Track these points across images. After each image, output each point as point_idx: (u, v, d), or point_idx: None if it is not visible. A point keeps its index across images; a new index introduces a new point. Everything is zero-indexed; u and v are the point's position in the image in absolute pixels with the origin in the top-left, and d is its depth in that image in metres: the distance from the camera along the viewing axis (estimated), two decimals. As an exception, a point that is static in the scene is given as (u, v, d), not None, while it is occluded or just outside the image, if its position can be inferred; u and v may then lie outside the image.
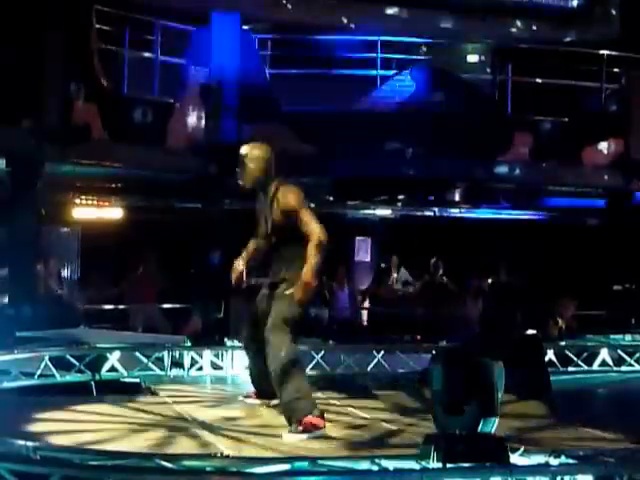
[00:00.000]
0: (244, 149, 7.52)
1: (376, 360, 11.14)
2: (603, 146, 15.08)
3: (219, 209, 14.49)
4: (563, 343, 11.95)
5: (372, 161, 14.74)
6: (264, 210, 7.58)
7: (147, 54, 13.99)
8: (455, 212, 16.93)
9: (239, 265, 7.69)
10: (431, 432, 5.79)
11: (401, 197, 16.59)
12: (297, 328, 7.09)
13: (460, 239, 17.05)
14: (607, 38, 16.47)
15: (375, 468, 5.47)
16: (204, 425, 7.39)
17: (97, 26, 13.24)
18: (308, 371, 10.79)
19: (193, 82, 14.14)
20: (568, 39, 17.16)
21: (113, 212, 16.30)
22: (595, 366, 11.50)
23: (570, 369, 11.25)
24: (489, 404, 5.66)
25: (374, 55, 15.52)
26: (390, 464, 5.51)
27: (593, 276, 15.33)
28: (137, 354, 10.26)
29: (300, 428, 6.83)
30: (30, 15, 12.18)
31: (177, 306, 15.41)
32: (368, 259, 18.48)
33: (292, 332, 7.04)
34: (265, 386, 7.60)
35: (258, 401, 8.08)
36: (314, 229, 7.30)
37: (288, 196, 7.33)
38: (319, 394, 8.42)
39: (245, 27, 14.85)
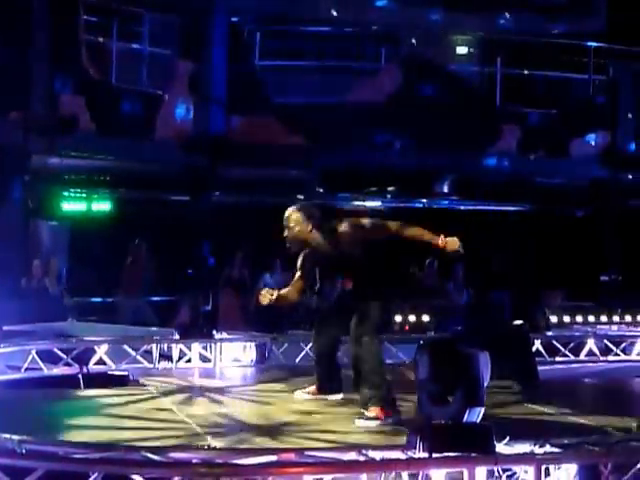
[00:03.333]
0: (286, 214, 7.76)
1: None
2: (590, 137, 15.13)
3: (208, 201, 14.47)
4: (550, 333, 12.01)
5: (362, 152, 14.76)
6: (320, 256, 7.82)
7: (135, 45, 13.95)
8: (444, 203, 16.94)
9: (272, 295, 7.77)
10: (418, 422, 5.82)
11: (391, 188, 16.60)
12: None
13: (449, 230, 17.04)
14: (594, 30, 16.50)
15: (362, 458, 5.49)
16: (192, 417, 7.39)
17: (84, 17, 13.21)
18: (297, 362, 10.87)
19: (181, 73, 14.12)
20: (556, 31, 17.17)
21: (102, 205, 16.24)
22: (582, 356, 11.56)
23: (557, 359, 11.30)
24: (474, 394, 5.68)
25: (363, 46, 15.52)
26: (376, 454, 5.53)
27: (581, 266, 15.38)
28: (125, 347, 10.26)
29: (373, 415, 7.24)
30: (16, 7, 12.14)
31: (166, 299, 15.40)
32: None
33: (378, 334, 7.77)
34: (331, 383, 8.08)
35: (315, 396, 8.22)
36: (391, 224, 7.76)
37: (352, 221, 7.70)
38: (306, 385, 8.42)
39: (234, 18, 14.83)
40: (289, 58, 15.63)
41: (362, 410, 7.38)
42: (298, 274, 7.95)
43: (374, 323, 7.62)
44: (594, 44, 15.37)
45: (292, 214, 7.70)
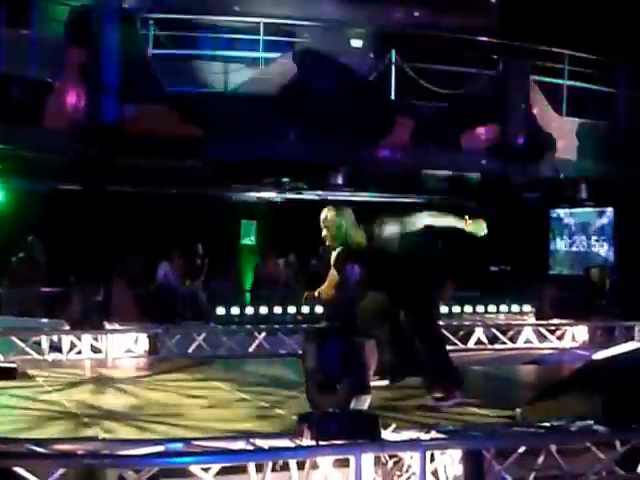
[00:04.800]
0: (322, 215, 8.13)
1: (257, 341, 11.22)
2: (481, 131, 15.36)
3: (100, 191, 14.27)
4: (440, 322, 12.19)
5: (257, 144, 14.72)
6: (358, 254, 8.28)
7: (24, 31, 13.65)
8: (339, 195, 17.04)
9: (314, 295, 8.12)
10: (305, 410, 5.87)
11: (285, 180, 16.62)
12: None
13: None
14: (486, 26, 16.77)
15: (250, 447, 5.53)
16: (81, 408, 7.33)
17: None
18: (189, 352, 10.85)
19: (73, 61, 13.86)
20: (449, 25, 17.40)
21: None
22: (470, 344, 11.82)
23: (447, 347, 11.49)
24: (361, 382, 5.77)
25: (259, 37, 15.48)
26: (264, 443, 5.57)
27: (470, 257, 15.66)
28: (13, 339, 10.10)
29: (442, 395, 7.74)
30: None
31: (57, 290, 15.17)
32: (254, 242, 18.50)
33: None
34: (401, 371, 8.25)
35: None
36: None
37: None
38: (198, 376, 8.43)
39: (126, 6, 14.63)
40: (184, 47, 15.50)
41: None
42: (333, 271, 8.27)
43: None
44: (485, 39, 15.61)
45: (329, 214, 8.06)
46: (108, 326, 10.97)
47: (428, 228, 8.10)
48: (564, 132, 15.83)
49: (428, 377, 7.94)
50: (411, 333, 7.86)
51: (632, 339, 12.42)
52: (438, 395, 7.77)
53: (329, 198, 16.82)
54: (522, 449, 5.89)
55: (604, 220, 17.35)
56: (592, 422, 6.23)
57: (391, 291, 8.14)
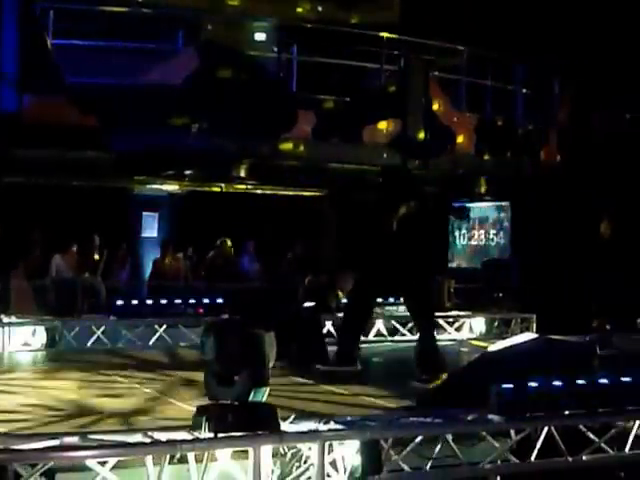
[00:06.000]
0: None
1: (158, 334, 11.17)
2: (382, 125, 15.50)
3: (-1, 183, 14.02)
4: (340, 315, 12.29)
5: (159, 135, 14.60)
6: None
7: None
8: (241, 188, 17.03)
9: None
10: (204, 403, 5.87)
11: (188, 172, 16.53)
12: None
13: (247, 215, 17.20)
14: (388, 22, 16.93)
15: (147, 440, 5.51)
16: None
17: None
18: (89, 345, 10.74)
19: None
20: (352, 21, 17.53)
21: None
22: (371, 336, 11.95)
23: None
24: (260, 374, 5.79)
25: (162, 28, 15.35)
26: (162, 436, 5.56)
27: (371, 250, 15.81)
28: None
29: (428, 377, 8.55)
30: None
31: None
32: (155, 234, 18.36)
33: None
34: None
35: None
36: None
37: None
38: (97, 369, 8.37)
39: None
40: (84, 38, 15.27)
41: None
42: None
43: None
44: (387, 35, 15.76)
45: None
46: (5, 319, 10.78)
47: None
48: (463, 127, 16.09)
49: (419, 360, 8.80)
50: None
51: (528, 330, 12.71)
52: (425, 377, 8.53)
53: (231, 191, 16.83)
54: (419, 438, 5.99)
55: (502, 214, 17.69)
56: (487, 411, 6.38)
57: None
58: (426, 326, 9.35)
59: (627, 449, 6.59)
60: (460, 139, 15.98)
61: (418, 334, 9.57)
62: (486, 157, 16.29)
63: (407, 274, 9.03)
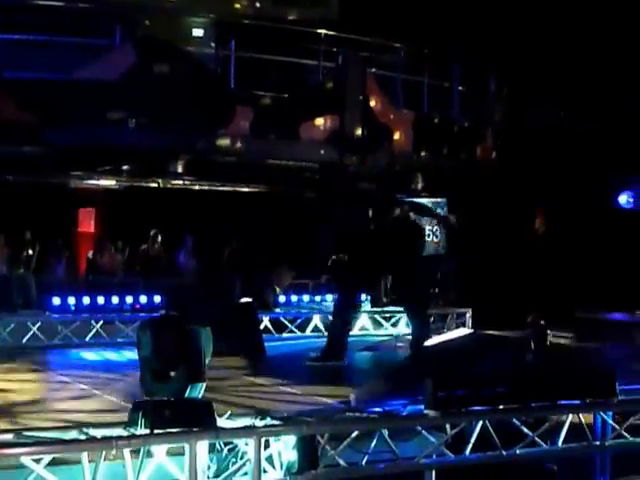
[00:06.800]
0: None
1: (95, 330, 11.09)
2: (320, 122, 15.53)
3: None
4: (278, 310, 12.35)
5: (95, 130, 14.46)
6: None
7: None
8: (179, 183, 16.95)
9: None
10: (140, 399, 5.86)
11: (125, 168, 16.41)
12: None
13: (184, 211, 17.13)
14: (326, 18, 16.95)
15: (82, 437, 5.48)
16: None
17: None
18: (24, 342, 10.63)
19: None
20: (290, 17, 17.51)
21: None
22: (308, 332, 11.99)
23: (284, 335, 11.65)
24: (196, 370, 5.79)
25: (98, 24, 15.20)
26: (98, 432, 5.54)
27: (309, 246, 15.87)
28: None
29: None
30: None
31: None
32: (92, 230, 18.23)
33: None
34: None
35: None
36: None
37: None
38: (31, 365, 8.29)
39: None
40: (21, 32, 15.07)
41: None
42: None
43: None
44: (325, 32, 15.79)
45: None
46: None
47: None
48: (401, 124, 16.18)
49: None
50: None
51: (463, 325, 12.85)
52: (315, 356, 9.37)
53: (168, 186, 16.74)
54: (355, 433, 6.03)
55: (438, 210, 17.82)
56: (423, 406, 6.43)
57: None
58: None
59: (560, 442, 6.70)
60: (397, 136, 16.07)
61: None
62: (423, 154, 16.41)
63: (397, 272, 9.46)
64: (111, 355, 10.23)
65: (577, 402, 6.79)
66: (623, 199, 19.14)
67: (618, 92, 18.78)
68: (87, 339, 11.02)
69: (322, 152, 15.37)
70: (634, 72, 18.06)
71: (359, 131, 15.38)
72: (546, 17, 18.20)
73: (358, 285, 10.16)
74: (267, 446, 5.80)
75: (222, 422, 5.81)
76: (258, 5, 17.62)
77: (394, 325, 13.00)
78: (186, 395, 5.72)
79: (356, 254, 10.03)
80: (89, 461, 5.22)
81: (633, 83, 18.19)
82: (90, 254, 16.72)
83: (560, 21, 18.17)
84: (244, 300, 11.33)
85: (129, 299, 12.59)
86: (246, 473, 5.69)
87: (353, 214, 10.90)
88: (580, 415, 6.75)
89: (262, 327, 11.17)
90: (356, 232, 10.14)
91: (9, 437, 5.37)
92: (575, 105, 18.66)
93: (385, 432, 6.15)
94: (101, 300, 12.23)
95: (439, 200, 17.58)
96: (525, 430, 6.59)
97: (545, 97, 18.34)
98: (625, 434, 6.90)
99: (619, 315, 13.47)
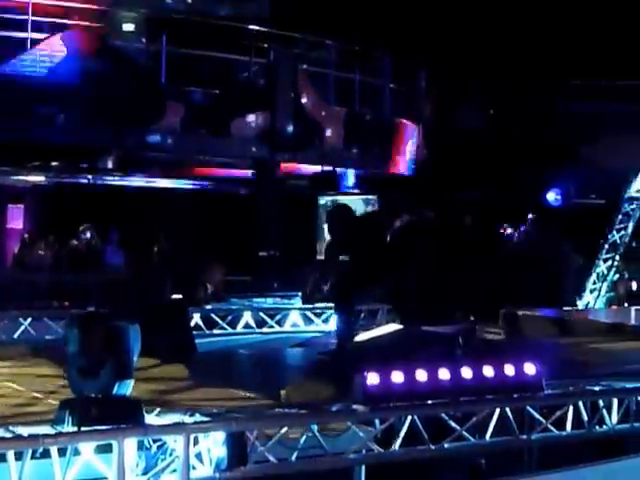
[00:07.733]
0: None
1: (23, 327, 10.94)
2: (251, 118, 15.52)
3: None
4: (209, 307, 12.31)
5: (23, 126, 14.30)
6: None
7: None
8: (109, 180, 16.82)
9: None
10: (68, 397, 5.80)
11: (54, 164, 16.24)
12: None
13: (115, 207, 17.02)
14: (258, 15, 16.96)
15: (8, 435, 5.41)
16: None
17: None
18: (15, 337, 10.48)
19: None
20: (222, 13, 17.48)
21: None
22: (239, 328, 11.97)
23: (215, 332, 11.62)
24: (124, 367, 5.75)
25: (25, 17, 15.01)
26: (24, 430, 5.47)
27: (241, 242, 15.85)
28: None
29: None
30: None
31: None
32: (20, 226, 18.00)
33: None
34: None
35: None
36: None
37: None
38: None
39: None
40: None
41: None
42: None
43: None
44: (256, 28, 15.80)
45: None
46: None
47: None
48: (332, 121, 16.25)
49: None
50: None
51: (393, 321, 12.90)
52: None
53: (98, 182, 16.60)
54: (284, 430, 6.04)
55: (369, 207, 17.89)
56: (352, 402, 6.46)
57: None
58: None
59: (487, 437, 6.77)
60: (329, 132, 16.14)
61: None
62: (354, 150, 16.50)
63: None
64: (39, 352, 10.08)
65: (504, 397, 6.87)
66: (551, 196, 19.47)
67: (550, 93, 19.10)
68: (15, 336, 10.85)
69: (253, 149, 15.40)
70: (566, 74, 18.38)
71: (290, 128, 15.41)
72: (477, 16, 18.42)
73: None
74: (196, 443, 5.78)
75: (151, 419, 5.78)
76: (189, 1, 17.56)
77: (325, 321, 13.03)
78: (114, 392, 5.67)
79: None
80: (15, 459, 5.16)
81: (565, 85, 18.52)
82: (16, 249, 16.50)
83: (491, 21, 18.40)
84: (175, 297, 11.29)
85: (57, 294, 12.46)
86: (175, 470, 5.66)
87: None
88: (507, 409, 6.83)
89: (193, 324, 11.11)
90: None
91: None
92: (504, 105, 18.92)
93: (315, 427, 6.16)
94: (29, 296, 12.08)
95: (370, 197, 17.69)
96: (453, 425, 6.65)
97: (474, 96, 18.56)
98: (551, 427, 7.00)
99: (548, 311, 13.68)
